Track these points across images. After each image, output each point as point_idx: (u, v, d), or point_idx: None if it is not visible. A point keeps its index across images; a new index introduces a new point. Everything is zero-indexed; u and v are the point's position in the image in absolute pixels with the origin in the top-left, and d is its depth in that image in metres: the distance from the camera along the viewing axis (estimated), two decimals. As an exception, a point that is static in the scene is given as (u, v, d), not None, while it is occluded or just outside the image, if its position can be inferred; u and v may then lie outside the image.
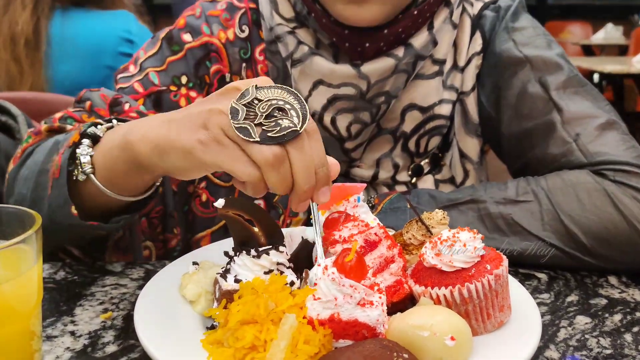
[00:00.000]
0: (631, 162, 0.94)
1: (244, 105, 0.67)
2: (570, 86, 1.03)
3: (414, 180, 1.11)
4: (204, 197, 1.11)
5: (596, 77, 5.53)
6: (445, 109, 1.08)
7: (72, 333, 0.76)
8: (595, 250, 0.91)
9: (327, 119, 1.03)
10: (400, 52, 1.00)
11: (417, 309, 0.68)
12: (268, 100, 0.67)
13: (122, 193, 0.83)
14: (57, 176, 0.83)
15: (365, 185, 0.85)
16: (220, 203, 0.69)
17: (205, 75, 1.08)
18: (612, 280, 0.92)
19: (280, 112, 0.67)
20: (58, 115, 1.00)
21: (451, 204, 0.97)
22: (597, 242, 0.91)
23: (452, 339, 0.63)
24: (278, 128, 0.65)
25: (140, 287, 0.83)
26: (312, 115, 1.02)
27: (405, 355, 0.59)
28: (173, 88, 1.06)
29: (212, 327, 0.71)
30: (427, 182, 1.11)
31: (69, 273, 0.93)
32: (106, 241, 1.00)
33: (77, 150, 0.82)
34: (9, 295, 0.60)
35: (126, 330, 0.76)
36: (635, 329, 0.78)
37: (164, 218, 1.08)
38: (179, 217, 1.10)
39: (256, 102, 0.67)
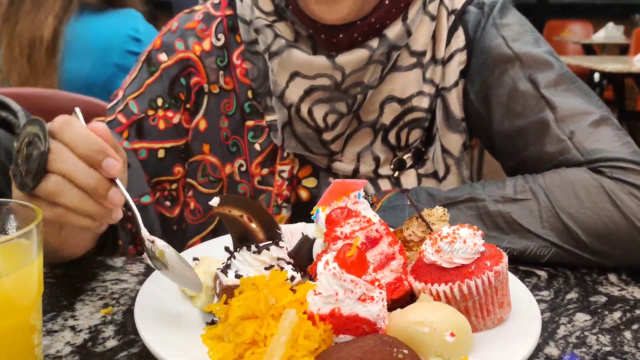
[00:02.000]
0: (627, 159, 0.94)
1: (16, 164, 0.73)
2: (561, 83, 1.03)
3: (396, 174, 1.12)
4: (192, 205, 1.15)
5: (597, 76, 5.54)
6: (424, 102, 1.09)
7: (73, 328, 0.76)
8: (593, 247, 0.91)
9: (304, 109, 1.04)
10: (374, 43, 1.01)
11: (417, 305, 0.68)
12: (22, 142, 0.72)
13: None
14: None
15: (366, 181, 0.85)
16: (215, 201, 0.70)
17: (179, 93, 1.12)
18: (612, 277, 0.92)
19: (31, 146, 0.71)
20: None
21: (450, 203, 0.97)
22: (595, 239, 0.91)
23: (452, 335, 0.63)
24: (30, 162, 0.71)
25: (141, 283, 0.83)
26: (289, 107, 1.04)
27: (405, 351, 0.59)
28: (150, 112, 1.12)
29: (212, 323, 0.71)
30: (410, 177, 1.12)
31: (69, 268, 0.93)
32: None
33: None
34: (9, 289, 0.60)
35: (126, 325, 0.76)
36: (634, 327, 0.78)
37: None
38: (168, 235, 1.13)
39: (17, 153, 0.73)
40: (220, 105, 1.13)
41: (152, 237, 0.71)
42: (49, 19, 1.86)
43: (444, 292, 0.69)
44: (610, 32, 6.70)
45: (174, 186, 1.14)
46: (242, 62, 1.11)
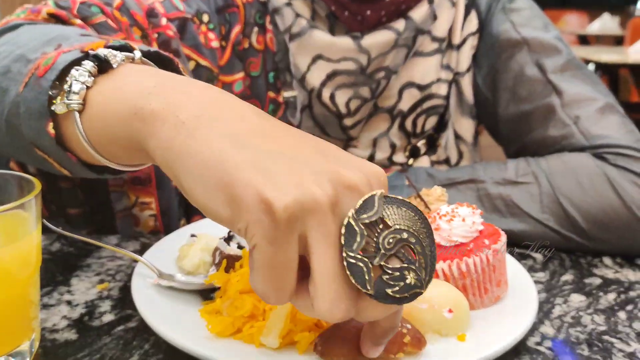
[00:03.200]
0: (632, 146, 0.94)
1: (365, 225, 0.44)
2: (568, 69, 1.03)
3: (410, 161, 1.11)
4: None
5: (591, 66, 5.54)
6: (442, 89, 1.08)
7: (69, 302, 0.76)
8: (592, 234, 0.92)
9: (325, 94, 1.01)
10: (400, 25, 0.99)
11: None
12: (395, 229, 0.45)
13: (107, 157, 0.56)
14: (41, 74, 0.57)
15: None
16: None
17: (221, 26, 1.00)
18: (607, 260, 0.93)
19: (404, 254, 0.46)
20: None
21: (450, 183, 0.97)
22: (595, 226, 0.91)
23: (450, 311, 0.63)
24: (402, 284, 0.45)
25: (137, 260, 0.82)
26: (310, 91, 1.01)
27: (409, 325, 0.59)
28: (196, 20, 0.97)
29: (210, 299, 0.71)
30: (423, 164, 1.11)
31: (64, 245, 0.93)
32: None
33: (83, 62, 0.55)
34: (7, 260, 0.59)
35: (123, 301, 0.76)
36: (629, 307, 0.79)
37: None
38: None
39: (380, 226, 0.45)
40: (245, 63, 1.04)
41: None
42: None
43: (442, 269, 0.69)
44: (606, 23, 6.70)
45: None
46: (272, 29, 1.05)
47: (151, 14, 0.89)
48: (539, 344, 0.69)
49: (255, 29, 1.04)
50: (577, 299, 0.81)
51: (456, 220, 0.70)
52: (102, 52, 0.55)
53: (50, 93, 0.56)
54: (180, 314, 0.67)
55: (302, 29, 1.00)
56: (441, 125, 1.12)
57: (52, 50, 0.60)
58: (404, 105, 1.07)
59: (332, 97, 1.01)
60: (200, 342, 0.61)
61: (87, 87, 0.54)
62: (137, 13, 0.87)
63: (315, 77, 1.01)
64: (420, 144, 1.11)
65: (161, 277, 0.72)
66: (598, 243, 0.92)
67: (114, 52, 0.55)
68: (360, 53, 0.98)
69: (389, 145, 1.09)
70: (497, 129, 1.10)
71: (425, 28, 1.02)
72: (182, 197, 0.94)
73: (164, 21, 0.89)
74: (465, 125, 1.10)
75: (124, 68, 0.55)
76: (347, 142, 1.09)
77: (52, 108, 0.55)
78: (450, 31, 1.08)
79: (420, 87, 1.06)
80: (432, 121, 1.10)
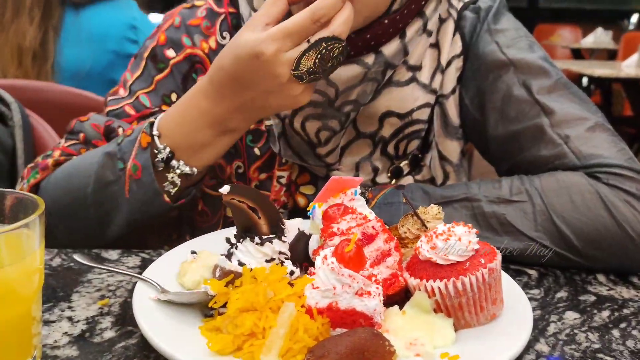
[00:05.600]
0: (624, 165, 0.95)
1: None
2: (555, 90, 1.03)
3: (393, 182, 1.11)
4: (199, 207, 1.13)
5: (585, 80, 5.59)
6: (424, 114, 1.08)
7: (70, 318, 0.76)
8: (585, 252, 0.93)
9: (297, 123, 1.02)
10: (369, 59, 0.97)
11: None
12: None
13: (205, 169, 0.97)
14: (139, 177, 0.93)
15: (362, 179, 0.86)
16: (225, 189, 0.70)
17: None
18: (601, 278, 0.94)
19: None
20: (57, 153, 1.06)
21: (445, 201, 0.98)
22: (588, 244, 0.92)
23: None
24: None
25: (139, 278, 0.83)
26: (283, 119, 1.03)
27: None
28: (165, 108, 1.07)
29: (211, 316, 0.72)
30: (407, 183, 1.11)
31: (65, 260, 0.93)
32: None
33: (170, 160, 0.94)
34: (11, 278, 0.60)
35: (123, 317, 0.77)
36: (622, 325, 0.80)
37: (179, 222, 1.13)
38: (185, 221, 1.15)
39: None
40: None
41: None
42: (32, 27, 1.88)
43: (439, 288, 0.71)
44: (599, 37, 6.76)
45: None
46: None
47: (108, 131, 1.07)
48: (534, 361, 0.70)
49: None
50: (571, 316, 0.82)
51: (452, 239, 0.71)
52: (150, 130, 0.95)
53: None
54: (181, 331, 0.68)
55: None
56: (425, 146, 1.13)
57: (117, 161, 0.96)
58: (386, 132, 1.07)
59: (302, 126, 1.02)
60: (200, 359, 0.62)
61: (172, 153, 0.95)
62: (98, 140, 1.07)
63: None
64: (404, 164, 1.12)
65: (163, 294, 0.73)
66: (592, 261, 0.93)
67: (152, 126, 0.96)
68: (328, 86, 0.98)
69: (371, 169, 1.10)
70: (488, 148, 1.11)
71: (395, 62, 1.00)
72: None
73: (120, 131, 1.05)
74: (450, 147, 1.11)
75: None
76: (327, 167, 1.09)
77: (167, 189, 0.95)
78: (439, 55, 1.07)
79: (400, 116, 1.06)
80: (414, 144, 1.10)
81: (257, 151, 1.10)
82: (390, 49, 0.99)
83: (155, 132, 0.95)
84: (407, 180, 1.11)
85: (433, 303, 0.71)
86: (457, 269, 0.71)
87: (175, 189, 0.95)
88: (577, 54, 6.83)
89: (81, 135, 1.07)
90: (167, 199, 0.94)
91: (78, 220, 0.97)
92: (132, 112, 1.08)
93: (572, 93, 1.04)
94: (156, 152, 0.94)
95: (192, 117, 0.93)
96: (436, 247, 0.71)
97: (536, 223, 0.93)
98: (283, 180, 1.09)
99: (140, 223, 0.96)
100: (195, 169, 0.95)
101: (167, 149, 0.93)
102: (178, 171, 0.94)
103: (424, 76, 1.07)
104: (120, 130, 1.05)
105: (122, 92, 1.11)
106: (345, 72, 0.97)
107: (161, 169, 0.94)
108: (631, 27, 7.40)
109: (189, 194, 0.98)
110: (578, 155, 0.98)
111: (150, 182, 0.93)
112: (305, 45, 0.83)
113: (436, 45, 1.08)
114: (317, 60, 0.84)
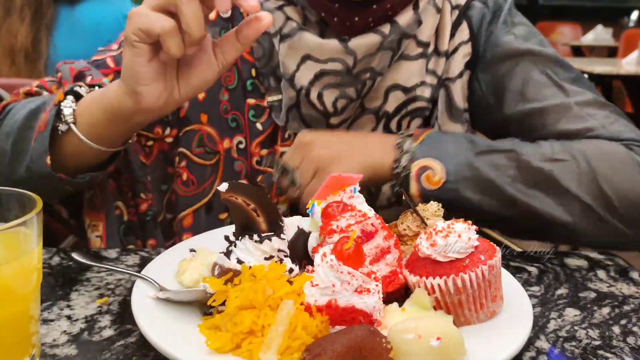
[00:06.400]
0: None
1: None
2: (578, 81, 1.09)
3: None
4: (184, 176, 1.13)
5: (585, 78, 5.57)
6: (426, 92, 1.11)
7: (69, 317, 0.76)
8: (623, 212, 0.95)
9: (313, 94, 1.05)
10: (386, 29, 1.03)
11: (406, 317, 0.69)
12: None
13: (99, 144, 0.93)
14: (43, 129, 0.92)
15: (361, 176, 0.86)
16: (223, 187, 0.70)
17: None
18: (601, 274, 0.94)
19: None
20: (35, 83, 1.11)
21: (490, 150, 0.99)
22: (627, 206, 0.95)
23: (438, 339, 0.61)
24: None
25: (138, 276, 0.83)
26: (299, 90, 1.05)
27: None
28: None
29: (209, 314, 0.72)
30: None
31: (64, 259, 0.93)
32: (80, 199, 1.09)
33: (62, 104, 0.93)
34: (9, 277, 0.60)
35: (122, 315, 0.77)
36: (623, 322, 0.80)
37: (133, 184, 1.14)
38: (155, 195, 1.14)
39: None
40: (221, 78, 1.12)
41: None
42: (24, 26, 1.88)
43: (439, 285, 0.70)
44: (599, 35, 6.75)
45: (149, 142, 1.14)
46: None
47: (78, 76, 1.07)
48: (534, 358, 0.70)
49: None
50: (571, 313, 0.82)
51: (452, 237, 0.71)
52: (76, 89, 0.96)
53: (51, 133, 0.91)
54: (180, 329, 0.68)
55: (292, 30, 1.04)
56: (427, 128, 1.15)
57: (42, 113, 0.95)
58: (389, 106, 1.10)
59: (319, 96, 1.05)
60: (199, 357, 0.62)
61: (74, 110, 0.93)
62: (66, 82, 1.07)
63: (304, 77, 1.05)
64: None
65: (162, 292, 0.73)
66: (628, 224, 0.96)
67: (79, 88, 0.96)
68: (347, 54, 1.02)
69: None
70: (504, 129, 1.11)
71: (410, 32, 1.06)
72: (134, 224, 1.15)
73: (88, 79, 1.05)
74: (452, 129, 1.13)
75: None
76: None
77: (59, 128, 0.93)
78: (437, 37, 1.12)
79: (405, 90, 1.09)
80: (416, 123, 1.13)
81: (259, 126, 1.12)
82: (404, 19, 1.04)
83: (77, 90, 0.95)
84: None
85: (433, 300, 0.71)
86: (457, 266, 0.70)
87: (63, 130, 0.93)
88: (578, 51, 6.82)
89: (59, 74, 1.10)
90: (48, 161, 0.92)
91: (14, 152, 0.98)
92: (112, 64, 1.10)
93: (589, 87, 1.10)
94: (62, 106, 0.94)
95: (99, 92, 0.93)
96: (436, 244, 0.71)
97: (580, 182, 0.96)
98: None
99: (35, 178, 0.94)
100: (88, 141, 0.92)
101: (71, 110, 0.93)
102: (65, 118, 0.92)
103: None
104: (88, 79, 1.05)
105: (114, 47, 1.15)
106: (364, 41, 1.02)
107: (64, 131, 0.94)
108: (631, 24, 7.40)
109: (84, 177, 0.97)
110: (608, 130, 1.02)
111: (46, 137, 0.92)
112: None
113: (436, 30, 1.12)
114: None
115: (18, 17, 1.88)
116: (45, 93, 1.07)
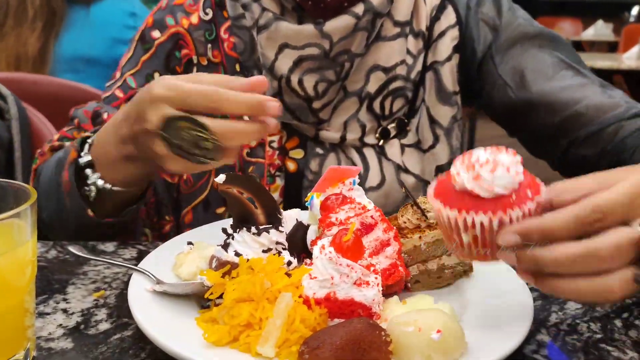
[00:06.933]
0: None
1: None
2: (581, 62, 1.13)
3: (381, 142, 1.14)
4: (185, 175, 1.15)
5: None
6: (405, 71, 1.12)
7: (65, 310, 0.75)
8: None
9: (294, 80, 1.06)
10: (359, 9, 1.04)
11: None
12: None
13: (126, 187, 0.93)
14: (69, 189, 0.94)
15: (360, 168, 0.85)
16: (221, 178, 0.69)
17: (176, 67, 1.14)
18: (602, 268, 0.93)
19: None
20: (56, 136, 1.13)
21: None
22: None
23: (439, 331, 0.60)
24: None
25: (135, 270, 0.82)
26: (279, 79, 1.06)
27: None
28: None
29: (207, 307, 0.71)
30: (394, 146, 1.14)
31: (60, 252, 0.92)
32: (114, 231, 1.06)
33: (83, 167, 0.94)
34: (2, 269, 0.59)
35: (119, 309, 0.76)
36: (624, 315, 0.79)
37: (158, 207, 1.16)
38: (170, 203, 1.16)
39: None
40: None
41: None
42: (34, 35, 1.90)
43: (482, 222, 0.62)
44: (600, 30, 6.74)
45: None
46: (229, 36, 1.13)
47: (95, 116, 1.11)
48: (535, 352, 0.69)
49: (209, 45, 1.13)
50: (573, 307, 0.81)
51: (499, 170, 0.62)
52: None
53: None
54: (177, 322, 0.67)
55: (268, 20, 1.06)
56: (411, 112, 1.16)
57: (63, 171, 0.96)
58: (371, 87, 1.11)
59: (300, 82, 1.06)
60: (196, 350, 0.61)
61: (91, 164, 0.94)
62: (86, 124, 1.11)
63: (283, 65, 1.06)
64: (391, 126, 1.15)
65: (159, 285, 0.72)
66: None
67: (88, 140, 0.96)
68: (323, 38, 1.04)
69: (359, 126, 1.12)
70: (526, 108, 1.11)
71: (382, 11, 1.07)
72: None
73: (105, 115, 1.09)
74: (441, 111, 1.14)
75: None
76: (318, 125, 1.11)
77: (89, 195, 0.94)
78: (413, 19, 1.13)
79: (385, 70, 1.11)
80: (399, 103, 1.13)
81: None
82: None
83: (86, 145, 0.95)
84: (394, 142, 1.13)
85: (468, 236, 0.64)
86: (503, 202, 0.62)
87: (94, 195, 0.94)
88: (578, 46, 6.81)
89: (76, 120, 1.12)
90: (90, 213, 0.94)
91: (58, 210, 0.98)
92: (120, 94, 1.13)
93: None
94: (87, 176, 0.94)
95: (108, 131, 0.92)
96: (480, 177, 0.62)
97: None
98: (274, 145, 1.12)
99: (86, 227, 0.96)
100: (108, 185, 0.92)
101: (86, 159, 0.94)
102: (90, 181, 0.93)
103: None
104: (105, 115, 1.08)
105: (117, 76, 1.16)
106: (338, 23, 1.03)
107: (94, 197, 0.95)
108: (632, 19, 7.37)
109: (127, 212, 0.97)
110: (630, 104, 1.05)
111: (77, 196, 0.93)
112: (182, 114, 0.77)
113: (413, 10, 1.13)
114: (184, 135, 0.77)
115: (29, 28, 1.91)
116: (67, 143, 1.07)
